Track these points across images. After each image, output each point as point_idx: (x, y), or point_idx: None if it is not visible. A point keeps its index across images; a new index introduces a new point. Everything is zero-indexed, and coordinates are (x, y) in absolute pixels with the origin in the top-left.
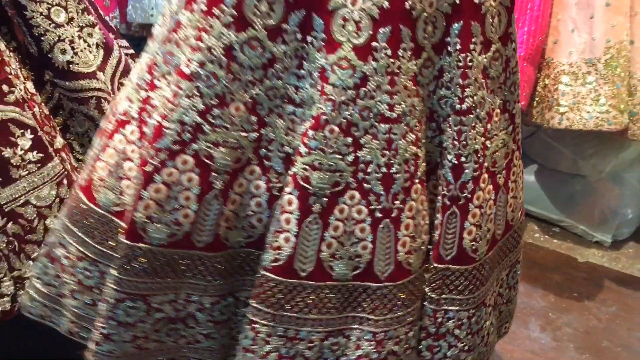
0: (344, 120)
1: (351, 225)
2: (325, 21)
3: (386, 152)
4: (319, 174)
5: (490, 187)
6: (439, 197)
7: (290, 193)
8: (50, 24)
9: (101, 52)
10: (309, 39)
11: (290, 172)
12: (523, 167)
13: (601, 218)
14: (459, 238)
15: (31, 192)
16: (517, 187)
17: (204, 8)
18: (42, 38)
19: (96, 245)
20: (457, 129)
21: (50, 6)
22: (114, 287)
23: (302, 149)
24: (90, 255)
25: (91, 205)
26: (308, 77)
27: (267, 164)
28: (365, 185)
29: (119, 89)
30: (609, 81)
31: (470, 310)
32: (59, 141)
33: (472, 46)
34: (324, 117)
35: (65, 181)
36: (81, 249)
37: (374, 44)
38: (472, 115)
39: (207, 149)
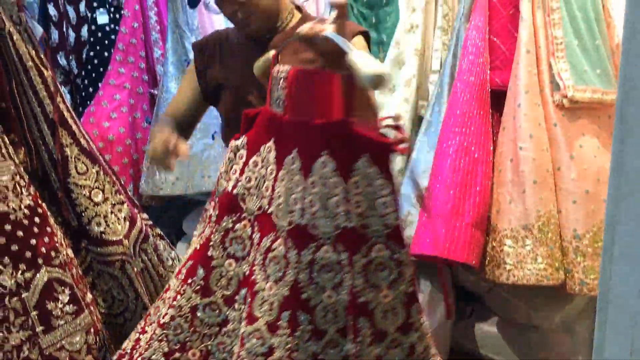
0: None
1: None
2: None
3: None
4: None
5: None
6: None
7: None
8: (90, 203)
9: (127, 223)
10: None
11: None
12: (486, 320)
13: None
14: None
15: (66, 338)
16: None
17: (182, 277)
18: (83, 214)
19: None
20: None
21: (91, 189)
22: None
23: None
24: None
25: None
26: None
27: None
28: None
29: (139, 252)
30: (543, 243)
31: None
32: (89, 296)
33: (360, 338)
34: None
35: (92, 330)
36: None
37: (279, 322)
38: None
39: None
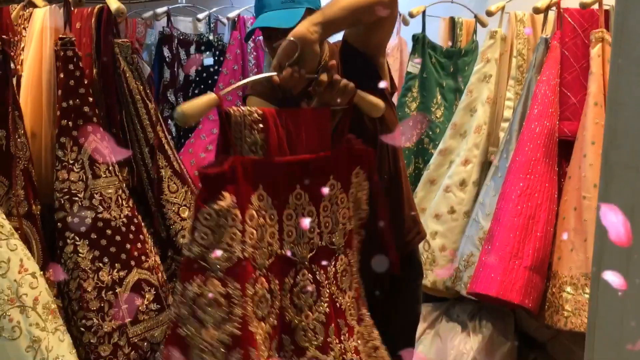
0: None
1: None
2: None
3: None
4: None
5: None
6: None
7: None
8: (178, 218)
9: None
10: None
11: None
12: None
13: None
14: None
15: (149, 331)
16: None
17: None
18: (171, 227)
19: None
20: None
21: (180, 206)
22: None
23: None
24: None
25: None
26: None
27: None
28: None
29: None
30: None
31: None
32: (170, 299)
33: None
34: None
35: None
36: None
37: (327, 339)
38: None
39: None
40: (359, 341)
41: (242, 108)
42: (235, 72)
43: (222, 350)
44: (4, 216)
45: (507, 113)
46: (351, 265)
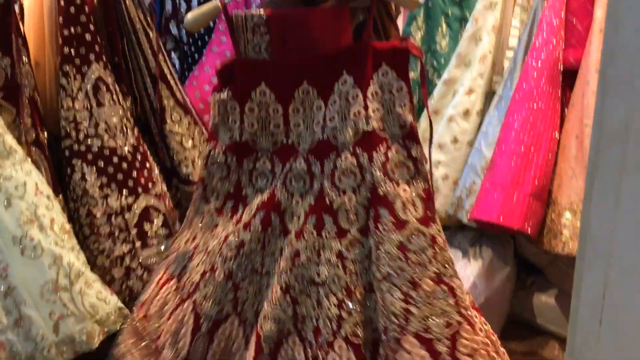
0: (284, 284)
1: None
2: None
3: (313, 309)
4: (269, 324)
5: (423, 352)
6: None
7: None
8: (181, 148)
9: None
10: (269, 229)
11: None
12: (545, 291)
13: None
14: None
15: (158, 254)
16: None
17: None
18: (175, 157)
19: None
20: (379, 295)
21: (182, 136)
22: None
23: (414, 309)
24: None
25: None
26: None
27: (242, 317)
28: (302, 332)
29: None
30: None
31: None
32: (178, 225)
33: (381, 226)
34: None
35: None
36: None
37: (305, 227)
38: (387, 283)
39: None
40: (350, 249)
41: (247, 11)
42: (238, 4)
43: (223, 196)
44: (16, 142)
45: (513, 42)
46: (361, 167)
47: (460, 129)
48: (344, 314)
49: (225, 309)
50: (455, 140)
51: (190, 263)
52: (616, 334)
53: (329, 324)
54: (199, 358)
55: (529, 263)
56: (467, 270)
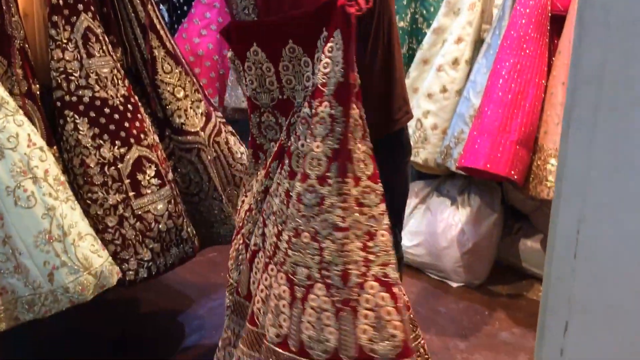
0: (312, 229)
1: (320, 312)
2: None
3: (341, 253)
4: (300, 269)
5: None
6: None
7: (284, 285)
8: (173, 98)
9: (204, 118)
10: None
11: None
12: (530, 236)
13: None
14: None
15: (152, 204)
16: None
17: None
18: (167, 107)
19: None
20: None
21: (174, 86)
22: None
23: (290, 252)
24: None
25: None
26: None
27: (266, 253)
28: (327, 280)
29: (212, 144)
30: None
31: None
32: (170, 175)
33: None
34: (300, 227)
35: (172, 202)
36: None
37: (328, 174)
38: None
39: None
40: (308, 191)
41: None
42: None
43: (251, 145)
44: (8, 93)
45: None
46: (334, 118)
47: (449, 78)
48: (371, 257)
49: (259, 243)
50: (444, 90)
51: (245, 198)
52: (589, 268)
53: (356, 267)
54: (245, 282)
55: (515, 210)
56: (456, 217)
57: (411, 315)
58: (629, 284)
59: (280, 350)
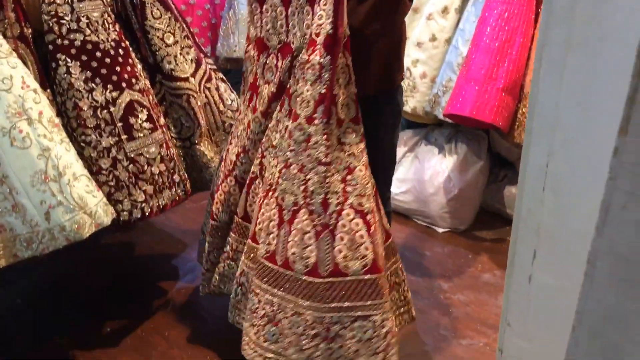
0: (299, 162)
1: (303, 234)
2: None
3: (323, 184)
4: (287, 196)
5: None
6: None
7: (274, 208)
8: (163, 44)
9: (194, 65)
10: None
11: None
12: (515, 184)
13: None
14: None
15: (144, 147)
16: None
17: (245, 101)
18: (157, 53)
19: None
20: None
21: (164, 32)
22: None
23: (280, 180)
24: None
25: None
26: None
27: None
28: (310, 207)
29: (203, 90)
30: None
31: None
32: (162, 120)
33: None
34: (289, 160)
35: (164, 146)
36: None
37: (315, 115)
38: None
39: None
40: (297, 129)
41: None
42: None
43: (247, 86)
44: (1, 36)
45: None
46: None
47: (439, 26)
48: (349, 188)
49: (256, 172)
50: (433, 38)
51: (229, 145)
52: (557, 199)
53: (336, 197)
54: (242, 205)
55: (502, 157)
56: (443, 164)
57: (391, 244)
58: (593, 213)
59: (267, 263)
